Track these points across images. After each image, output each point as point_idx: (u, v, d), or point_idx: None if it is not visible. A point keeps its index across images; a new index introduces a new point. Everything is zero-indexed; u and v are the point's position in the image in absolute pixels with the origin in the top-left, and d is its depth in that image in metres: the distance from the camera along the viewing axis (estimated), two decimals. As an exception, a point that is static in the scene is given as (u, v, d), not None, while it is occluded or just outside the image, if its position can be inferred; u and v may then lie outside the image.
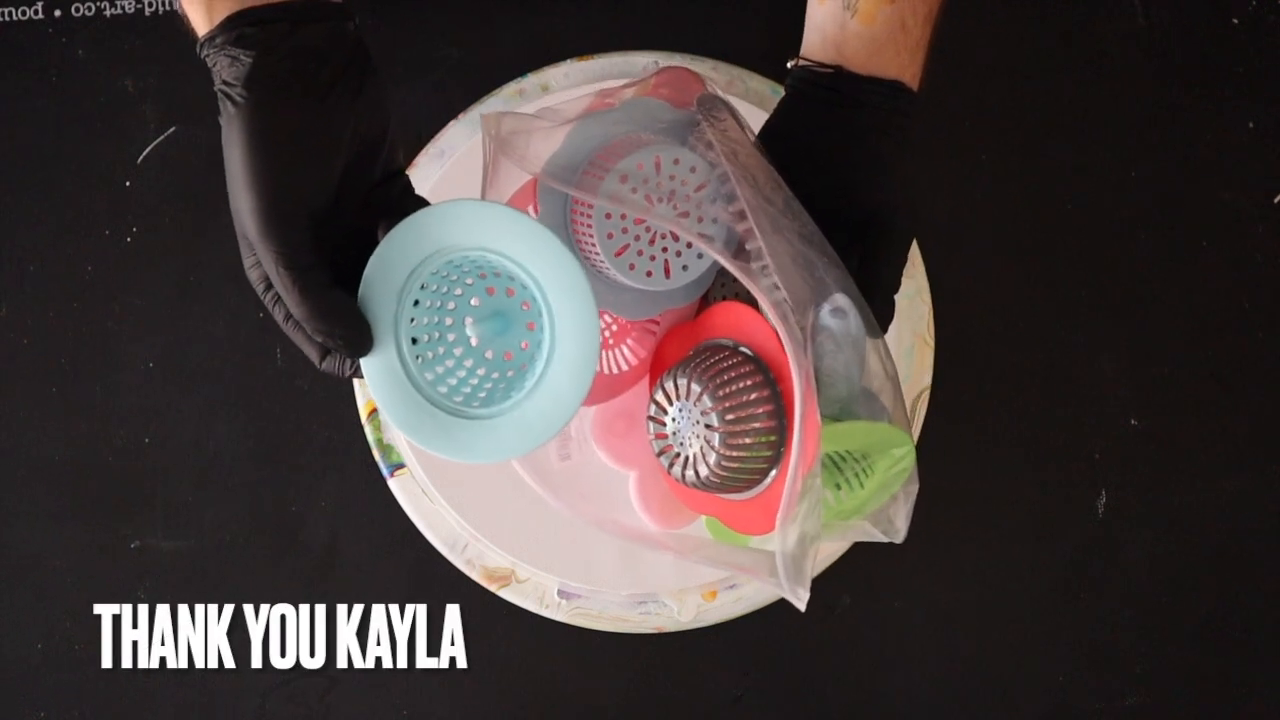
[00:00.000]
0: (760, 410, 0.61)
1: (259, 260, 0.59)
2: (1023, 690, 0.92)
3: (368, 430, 0.88)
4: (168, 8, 0.95)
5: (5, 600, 0.92)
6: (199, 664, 0.92)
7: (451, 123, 0.89)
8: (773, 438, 0.61)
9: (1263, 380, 0.93)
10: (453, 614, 0.92)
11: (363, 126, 0.60)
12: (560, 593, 0.86)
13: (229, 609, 0.92)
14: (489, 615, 0.91)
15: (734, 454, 0.61)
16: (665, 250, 0.63)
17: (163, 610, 0.92)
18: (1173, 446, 0.93)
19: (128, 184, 0.94)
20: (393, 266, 0.58)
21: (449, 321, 0.61)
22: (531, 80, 0.90)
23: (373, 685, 0.92)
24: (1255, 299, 0.94)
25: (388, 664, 0.92)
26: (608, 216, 0.62)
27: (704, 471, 0.61)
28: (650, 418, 0.64)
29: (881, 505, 0.66)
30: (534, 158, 0.63)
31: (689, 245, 0.63)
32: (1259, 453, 0.93)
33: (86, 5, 0.95)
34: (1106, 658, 0.92)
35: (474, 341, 0.61)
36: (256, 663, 0.92)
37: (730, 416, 0.60)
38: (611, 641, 0.89)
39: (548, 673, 0.91)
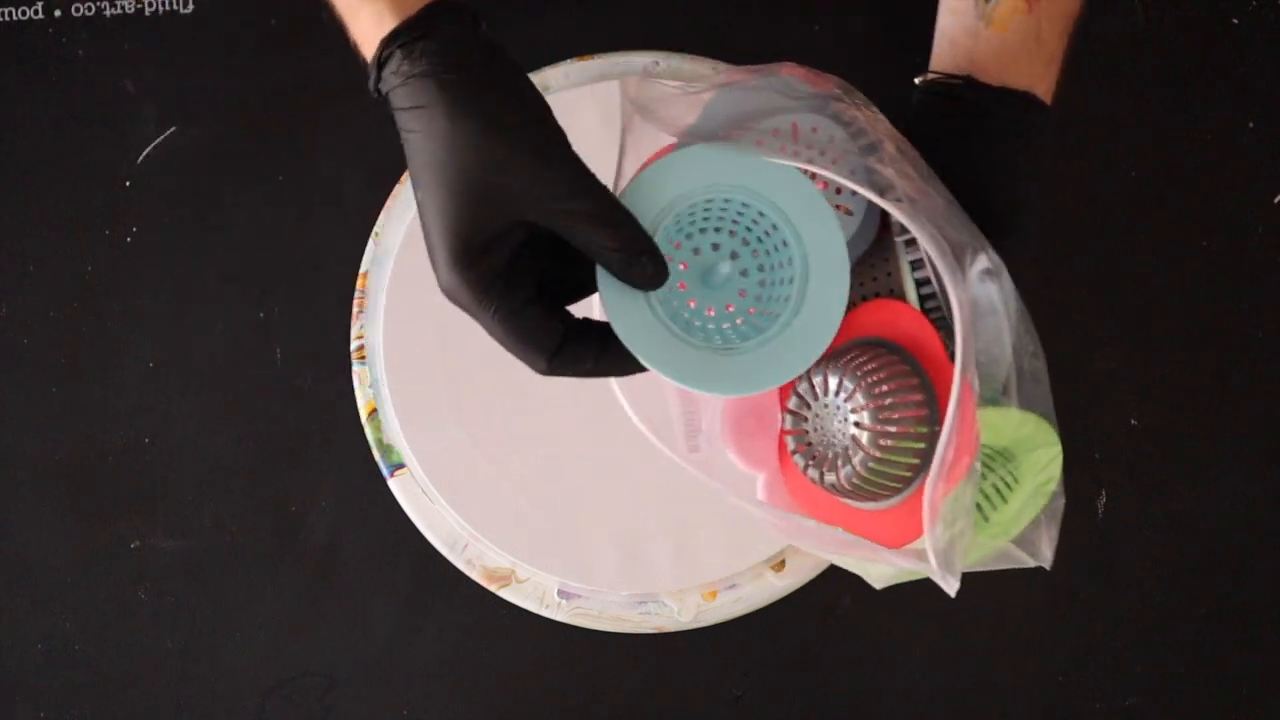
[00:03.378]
0: (913, 414, 0.58)
1: (486, 244, 0.54)
2: (1023, 690, 0.92)
3: (368, 430, 0.88)
4: (168, 8, 0.95)
5: (5, 600, 0.92)
6: (199, 664, 0.92)
7: (451, 123, 0.89)
8: (922, 445, 0.59)
9: (1263, 380, 0.93)
10: (453, 614, 0.92)
11: None
12: (560, 593, 0.86)
13: (229, 608, 0.92)
14: (489, 615, 0.91)
15: (882, 455, 0.58)
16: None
17: (162, 610, 0.92)
18: (1173, 446, 0.93)
19: (128, 184, 0.94)
20: (646, 202, 0.58)
21: (685, 264, 0.60)
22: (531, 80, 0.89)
23: (373, 685, 0.92)
24: (1255, 299, 0.94)
25: (387, 664, 0.92)
26: None
27: (847, 473, 0.59)
28: (790, 411, 0.61)
29: (1025, 526, 0.62)
30: (674, 121, 0.61)
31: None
32: (1259, 453, 0.93)
33: (86, 5, 0.95)
34: (1106, 658, 0.92)
35: (723, 274, 0.61)
36: (256, 663, 0.92)
37: (883, 416, 0.58)
38: (611, 641, 0.89)
39: (548, 673, 0.91)
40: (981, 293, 0.59)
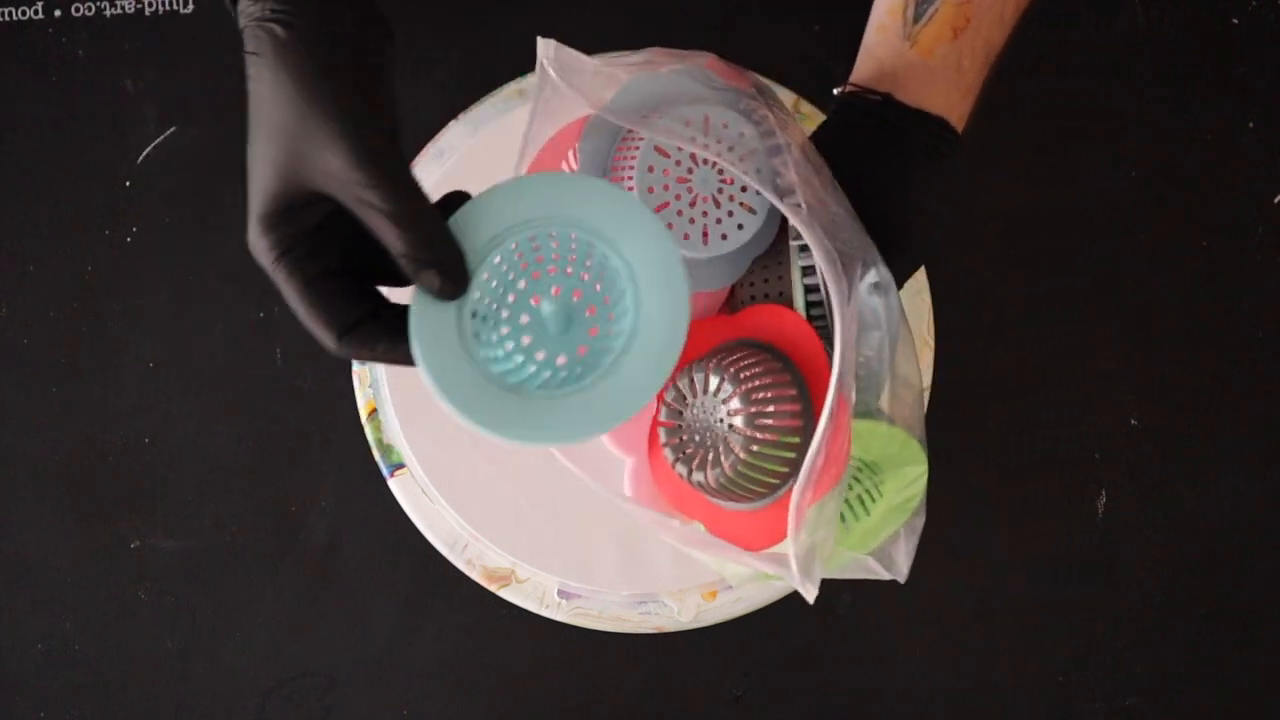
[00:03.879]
0: (787, 422, 0.59)
1: (280, 210, 0.52)
2: (1023, 690, 0.92)
3: (368, 430, 0.88)
4: (168, 8, 0.95)
5: (5, 600, 0.92)
6: (199, 664, 0.92)
7: (451, 123, 0.89)
8: (793, 453, 0.59)
9: (1263, 380, 0.93)
10: (452, 614, 0.92)
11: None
12: (560, 593, 0.86)
13: (229, 608, 0.92)
14: (489, 615, 0.91)
15: (753, 460, 0.58)
16: (705, 215, 0.62)
17: (162, 610, 0.92)
18: (1173, 446, 0.93)
19: (128, 184, 0.94)
20: (472, 231, 0.54)
21: (510, 298, 0.56)
22: (531, 80, 0.90)
23: (373, 685, 0.92)
24: (1255, 299, 0.94)
25: (387, 664, 0.92)
26: (650, 170, 0.61)
27: (715, 473, 0.59)
28: (666, 404, 0.61)
29: (884, 540, 0.63)
30: (590, 93, 0.60)
31: (729, 214, 0.63)
32: (1259, 453, 0.93)
33: (86, 5, 0.95)
34: (1106, 658, 0.92)
35: (544, 324, 0.57)
36: (256, 663, 0.92)
37: (758, 420, 0.58)
38: (611, 641, 0.89)
39: (548, 673, 0.91)
40: (868, 306, 0.59)
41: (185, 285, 0.94)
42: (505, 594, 0.86)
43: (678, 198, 0.62)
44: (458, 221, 0.54)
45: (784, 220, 0.65)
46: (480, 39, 0.94)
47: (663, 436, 0.62)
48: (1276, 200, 0.95)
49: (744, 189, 0.63)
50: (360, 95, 0.53)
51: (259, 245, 0.53)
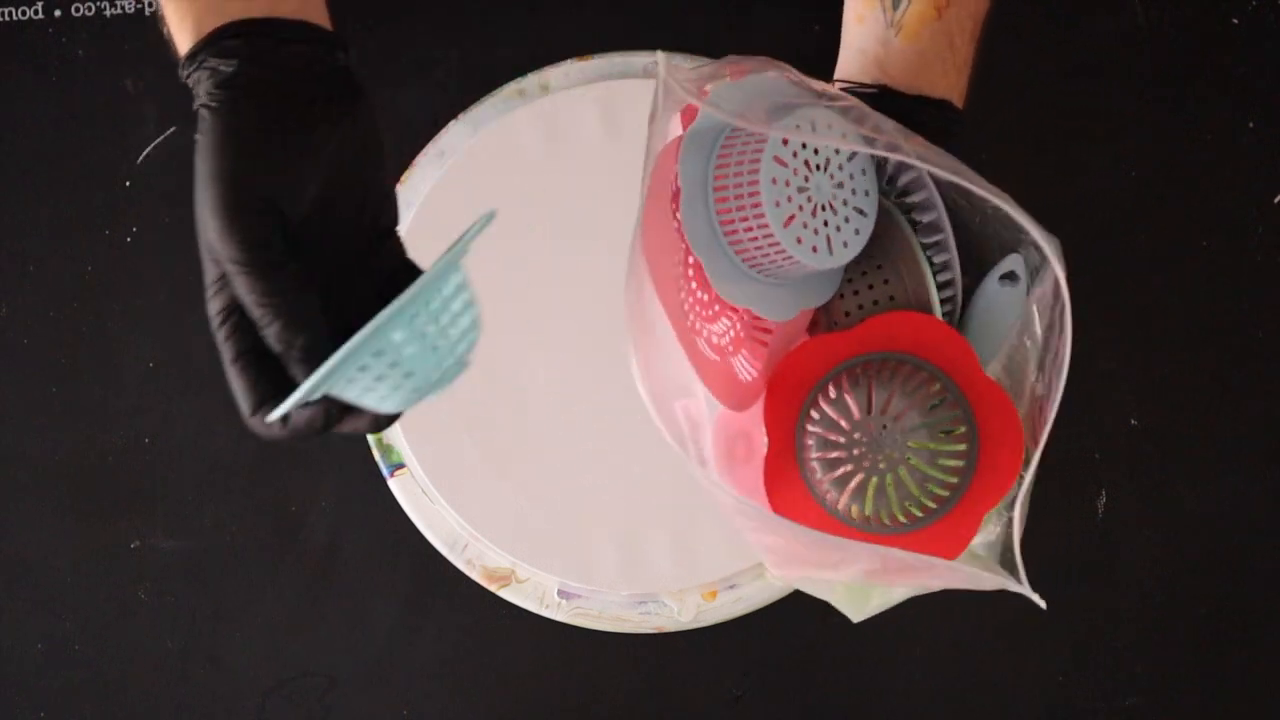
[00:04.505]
0: (959, 434, 0.56)
1: (221, 277, 0.55)
2: (1023, 690, 0.92)
3: (368, 430, 0.88)
4: (168, 8, 0.95)
5: (5, 600, 0.92)
6: (199, 664, 0.92)
7: (451, 123, 0.89)
8: (962, 464, 0.57)
9: (1263, 380, 0.93)
10: (452, 614, 0.91)
11: (346, 155, 0.57)
12: (560, 593, 0.86)
13: (229, 608, 0.92)
14: (489, 615, 0.91)
15: (932, 475, 0.55)
16: (826, 225, 0.59)
17: (162, 610, 0.92)
18: (1173, 446, 0.93)
19: (128, 184, 0.94)
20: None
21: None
22: (531, 80, 0.90)
23: (373, 685, 0.92)
24: (1255, 299, 0.94)
25: (387, 664, 0.92)
26: (773, 182, 0.58)
27: (899, 496, 0.56)
28: (814, 436, 0.58)
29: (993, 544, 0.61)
30: (711, 95, 0.58)
31: (846, 221, 0.59)
32: (1259, 453, 0.93)
33: (86, 5, 0.95)
34: (1106, 658, 0.92)
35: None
36: (256, 663, 0.92)
37: (937, 428, 0.55)
38: (611, 641, 0.89)
39: (548, 673, 0.91)
40: (1004, 293, 0.58)
41: (185, 285, 0.94)
42: (505, 594, 0.86)
43: (800, 209, 0.58)
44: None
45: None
46: (480, 39, 0.94)
47: (819, 471, 0.58)
48: (1276, 200, 0.95)
49: (854, 191, 0.60)
50: (246, 189, 0.54)
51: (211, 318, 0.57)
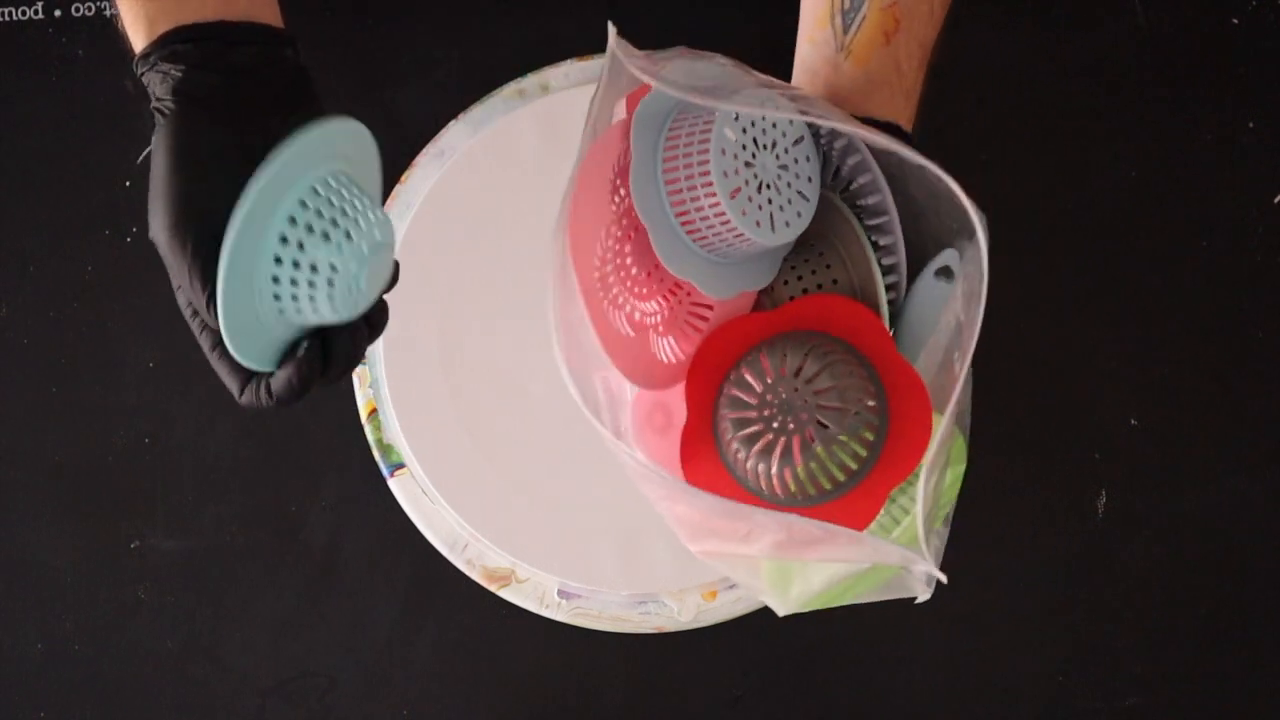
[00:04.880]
0: (869, 405, 0.57)
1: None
2: (1023, 690, 0.92)
3: (368, 430, 0.88)
4: (168, 8, 0.95)
5: (5, 600, 0.92)
6: (199, 664, 0.92)
7: (451, 123, 0.89)
8: (875, 421, 0.58)
9: (1263, 380, 0.93)
10: (452, 614, 0.92)
11: None
12: (560, 593, 0.86)
13: (229, 608, 0.92)
14: (489, 615, 0.91)
15: (847, 434, 0.57)
16: (770, 202, 0.61)
17: (162, 610, 0.92)
18: (1173, 446, 0.93)
19: (128, 184, 0.94)
20: (247, 245, 0.56)
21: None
22: (531, 80, 0.90)
23: (373, 685, 0.92)
24: (1255, 299, 0.94)
25: (387, 664, 0.92)
26: (722, 153, 0.60)
27: (814, 455, 0.57)
28: (730, 397, 0.60)
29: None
30: (649, 73, 0.60)
31: (789, 202, 0.61)
32: (1259, 453, 0.93)
33: (86, 5, 0.95)
34: (1106, 658, 0.92)
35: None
36: (256, 663, 0.92)
37: (847, 390, 0.56)
38: (611, 641, 0.89)
39: (548, 673, 0.91)
40: (937, 288, 0.59)
41: (185, 285, 0.94)
42: (505, 594, 0.86)
43: (746, 183, 0.60)
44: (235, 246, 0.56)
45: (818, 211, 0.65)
46: (480, 39, 0.94)
47: (729, 429, 0.60)
48: (1276, 200, 0.95)
49: (797, 175, 0.62)
50: (191, 209, 0.56)
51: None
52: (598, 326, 0.62)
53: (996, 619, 0.92)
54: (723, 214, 0.60)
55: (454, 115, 0.89)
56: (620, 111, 0.65)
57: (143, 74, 0.60)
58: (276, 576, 0.92)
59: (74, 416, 0.93)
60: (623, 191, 0.63)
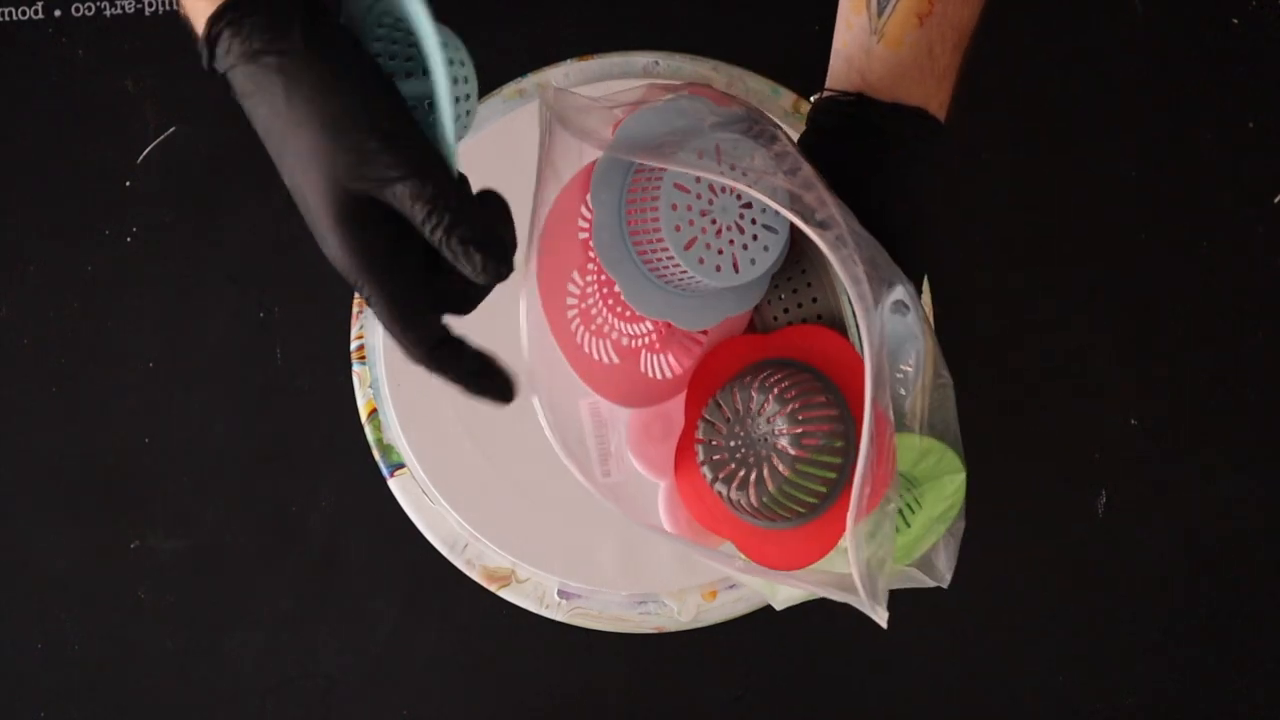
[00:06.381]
0: (831, 440, 0.58)
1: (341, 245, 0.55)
2: (1023, 690, 0.92)
3: (368, 430, 0.88)
4: (168, 8, 0.95)
5: (5, 600, 0.92)
6: (199, 664, 0.92)
7: (451, 123, 0.89)
8: (834, 475, 0.59)
9: (1262, 380, 0.93)
10: (452, 614, 0.92)
11: None
12: (560, 593, 0.86)
13: (229, 608, 0.92)
14: (489, 615, 0.91)
15: (796, 478, 0.58)
16: (732, 244, 0.62)
17: (163, 610, 0.92)
18: (1173, 446, 0.93)
19: (128, 184, 0.94)
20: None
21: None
22: (531, 80, 0.90)
23: (373, 685, 0.92)
24: (1255, 299, 0.94)
25: (388, 664, 0.92)
26: (674, 208, 0.60)
27: (759, 491, 0.59)
28: (706, 420, 0.62)
29: (927, 549, 0.63)
30: (596, 134, 0.61)
31: (754, 239, 0.62)
32: (1259, 453, 0.93)
33: (86, 5, 0.95)
34: (1106, 658, 0.92)
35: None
36: (256, 663, 0.92)
37: (804, 439, 0.58)
38: (611, 641, 0.89)
39: (548, 673, 0.91)
40: (896, 323, 0.59)
41: (185, 285, 0.94)
42: (505, 594, 0.86)
43: (704, 231, 0.61)
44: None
45: (804, 237, 0.65)
46: (480, 39, 0.94)
47: (700, 454, 0.62)
48: (1276, 200, 0.95)
49: (764, 210, 0.62)
50: (361, 96, 0.54)
51: (342, 259, 0.56)
52: (575, 364, 0.63)
53: (996, 619, 0.92)
54: (679, 265, 0.61)
55: (454, 115, 0.89)
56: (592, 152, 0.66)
57: (227, 25, 0.55)
58: (276, 576, 0.92)
59: (74, 416, 0.93)
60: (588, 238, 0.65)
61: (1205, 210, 0.94)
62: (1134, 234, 0.94)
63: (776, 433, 0.59)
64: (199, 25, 0.56)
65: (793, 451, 0.59)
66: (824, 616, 0.92)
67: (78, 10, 0.95)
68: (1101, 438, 0.93)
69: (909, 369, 0.61)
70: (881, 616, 0.58)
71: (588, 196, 0.64)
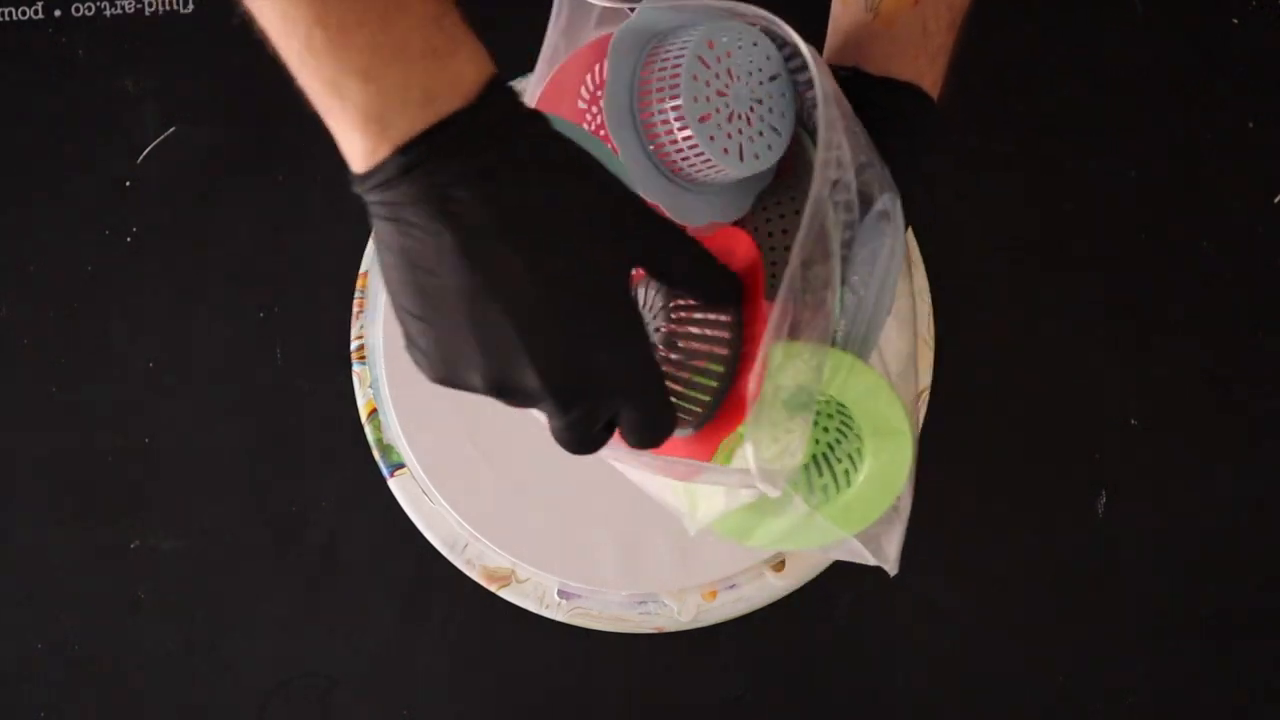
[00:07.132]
0: (714, 348, 0.58)
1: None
2: (1023, 690, 0.92)
3: (368, 430, 0.88)
4: (168, 7, 0.95)
5: (5, 600, 0.92)
6: (199, 664, 0.92)
7: (451, 123, 0.89)
8: (716, 384, 0.59)
9: (1262, 380, 0.93)
10: (452, 614, 0.92)
11: None
12: (560, 593, 0.86)
13: (229, 608, 0.92)
14: (489, 615, 0.91)
15: (676, 374, 0.58)
16: (741, 132, 0.62)
17: (163, 610, 0.92)
18: (1173, 446, 0.93)
19: (128, 184, 0.94)
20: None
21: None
22: (532, 80, 0.89)
23: (373, 685, 0.92)
24: (1255, 299, 0.94)
25: (387, 664, 0.92)
26: (695, 78, 0.60)
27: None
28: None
29: (872, 521, 0.62)
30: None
31: (760, 134, 0.62)
32: (1259, 453, 0.93)
33: (86, 5, 0.95)
34: (1106, 657, 0.92)
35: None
36: (257, 663, 0.92)
37: (679, 342, 0.58)
38: (611, 641, 0.89)
39: (548, 673, 0.91)
40: (874, 231, 0.59)
41: (185, 285, 0.94)
42: (505, 594, 0.86)
43: (718, 110, 0.61)
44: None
45: (799, 164, 0.65)
46: (480, 39, 0.94)
47: None
48: (1276, 200, 0.95)
49: (770, 110, 0.62)
50: (613, 200, 0.52)
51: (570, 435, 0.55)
52: None
53: (996, 619, 0.92)
54: (691, 138, 0.61)
55: (454, 115, 0.89)
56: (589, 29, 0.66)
57: (410, 168, 0.49)
58: (276, 576, 0.92)
59: (74, 416, 0.93)
60: (595, 109, 0.64)
61: (1205, 210, 0.94)
62: (1134, 234, 0.94)
63: (654, 331, 0.59)
64: (379, 148, 0.50)
65: (662, 352, 0.59)
66: (824, 617, 0.92)
67: (78, 10, 0.95)
68: (1101, 438, 0.93)
69: (869, 286, 0.60)
70: (772, 489, 0.56)
71: (595, 68, 0.64)
